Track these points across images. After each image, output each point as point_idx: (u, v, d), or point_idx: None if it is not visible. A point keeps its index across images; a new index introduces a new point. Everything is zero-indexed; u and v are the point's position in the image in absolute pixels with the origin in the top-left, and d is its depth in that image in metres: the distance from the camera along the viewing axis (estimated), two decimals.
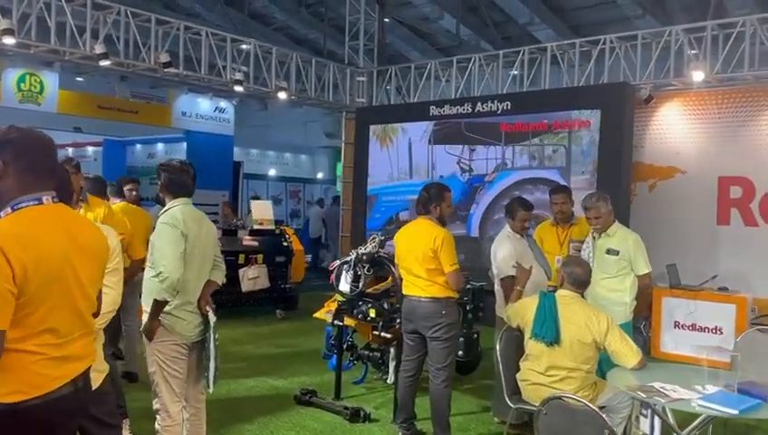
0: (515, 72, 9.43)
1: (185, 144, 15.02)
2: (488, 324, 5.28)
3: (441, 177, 9.35)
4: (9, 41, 6.85)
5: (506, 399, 4.04)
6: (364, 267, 5.23)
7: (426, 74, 10.26)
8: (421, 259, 4.34)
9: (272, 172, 21.23)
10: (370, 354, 5.54)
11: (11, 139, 1.95)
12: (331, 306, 5.97)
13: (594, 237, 4.73)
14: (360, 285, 5.20)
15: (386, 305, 5.16)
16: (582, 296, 3.87)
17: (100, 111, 12.63)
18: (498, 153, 8.79)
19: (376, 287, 5.49)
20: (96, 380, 2.86)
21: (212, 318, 3.54)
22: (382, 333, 4.99)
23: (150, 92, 15.02)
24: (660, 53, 8.10)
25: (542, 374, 3.79)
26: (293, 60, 10.16)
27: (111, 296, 2.90)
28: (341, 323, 5.43)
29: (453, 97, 9.70)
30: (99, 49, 7.58)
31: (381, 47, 11.60)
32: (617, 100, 7.76)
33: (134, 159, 17.59)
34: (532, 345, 3.85)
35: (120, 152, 16.99)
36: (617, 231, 4.68)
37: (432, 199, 4.43)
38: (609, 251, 4.60)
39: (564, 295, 3.79)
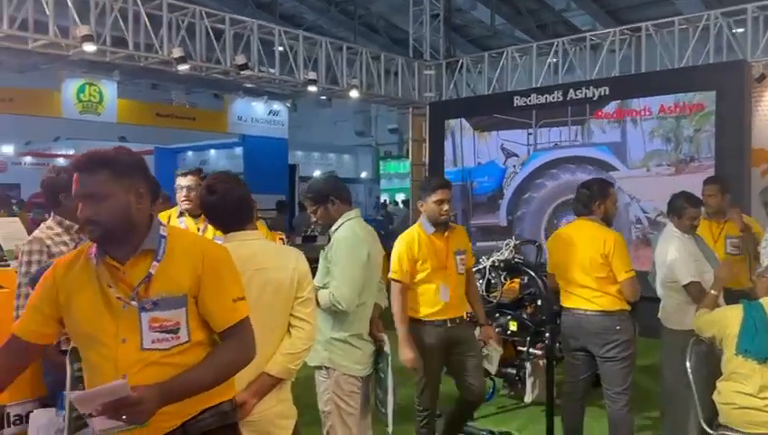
0: (552, 61, 9.07)
1: (240, 149, 14.75)
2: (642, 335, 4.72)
3: (479, 163, 9.48)
4: (90, 48, 6.52)
5: (703, 425, 3.50)
6: (500, 275, 4.73)
7: (501, 63, 9.70)
8: (588, 267, 3.81)
9: (316, 173, 20.85)
10: (504, 371, 5.03)
11: (141, 161, 1.89)
12: None
13: None
14: (498, 294, 4.70)
15: (524, 317, 4.66)
16: None
17: (158, 119, 12.40)
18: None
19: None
20: (288, 428, 2.44)
21: (386, 345, 3.09)
22: (530, 350, 4.48)
23: (206, 98, 14.75)
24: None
25: (755, 397, 3.23)
26: (364, 56, 9.68)
27: (307, 331, 2.45)
28: None
29: (536, 85, 9.12)
30: (176, 53, 7.22)
31: (448, 39, 11.07)
32: (734, 79, 7.12)
33: (186, 166, 17.39)
34: (738, 363, 3.29)
35: (172, 160, 16.79)
36: None
37: (595, 197, 3.90)
38: None
39: None
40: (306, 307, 2.47)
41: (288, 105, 14.58)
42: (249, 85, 12.80)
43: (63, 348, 3.01)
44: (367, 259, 3.00)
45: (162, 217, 4.09)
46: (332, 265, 2.96)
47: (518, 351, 4.74)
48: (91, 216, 1.76)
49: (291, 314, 2.44)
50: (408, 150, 15.38)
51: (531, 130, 8.80)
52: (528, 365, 5.17)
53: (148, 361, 1.76)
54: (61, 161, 19.20)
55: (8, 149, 17.93)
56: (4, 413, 3.20)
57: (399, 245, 3.67)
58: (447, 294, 3.65)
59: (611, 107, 8.01)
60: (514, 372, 4.95)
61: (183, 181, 3.99)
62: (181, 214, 4.04)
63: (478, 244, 9.30)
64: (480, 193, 9.52)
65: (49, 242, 3.05)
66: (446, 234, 3.69)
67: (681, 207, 4.21)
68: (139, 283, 1.78)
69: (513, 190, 9.08)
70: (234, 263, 1.94)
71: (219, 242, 3.53)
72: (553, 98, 8.40)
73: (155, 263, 1.80)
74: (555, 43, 9.13)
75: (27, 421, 3.21)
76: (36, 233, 3.10)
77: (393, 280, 3.62)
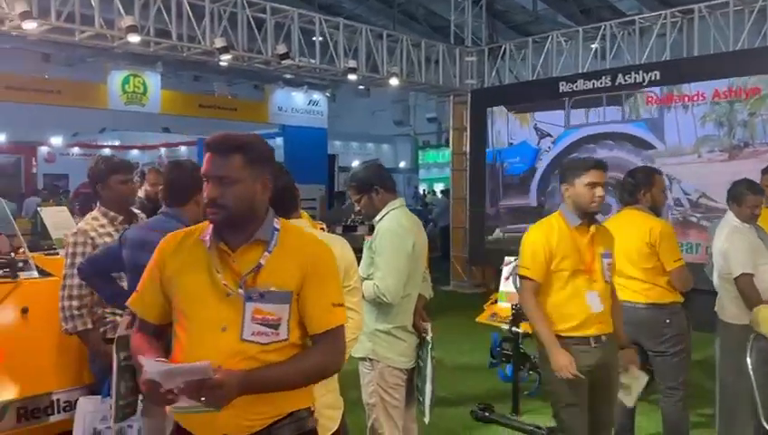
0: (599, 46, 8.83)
1: (280, 139, 14.80)
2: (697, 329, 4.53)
3: (511, 144, 9.40)
4: (134, 39, 6.59)
5: (764, 424, 3.33)
6: None
7: (546, 48, 9.44)
8: (635, 257, 3.66)
9: (355, 163, 20.80)
10: None
11: (272, 152, 1.89)
12: (493, 309, 5.38)
13: None
14: None
15: None
16: None
17: (200, 110, 12.53)
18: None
19: None
20: (336, 419, 2.40)
21: (429, 336, 3.02)
22: None
23: (246, 89, 14.88)
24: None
25: None
26: (404, 43, 9.56)
27: (356, 321, 2.40)
28: (519, 330, 4.83)
29: (583, 71, 8.86)
30: (219, 43, 7.24)
31: (490, 25, 10.84)
32: None
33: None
34: None
35: None
36: None
37: (640, 185, 3.77)
38: None
39: None
40: (353, 296, 2.42)
41: (327, 95, 14.57)
42: (288, 76, 12.89)
43: (109, 336, 3.04)
44: (412, 250, 2.94)
45: None
46: (377, 256, 2.90)
47: None
48: (217, 198, 1.74)
49: None
50: (447, 139, 15.26)
51: (566, 111, 8.70)
52: None
53: (245, 354, 1.72)
54: (107, 151, 19.70)
55: (57, 141, 18.43)
56: (53, 400, 3.25)
57: (533, 235, 3.05)
58: (598, 302, 2.93)
59: (662, 92, 7.72)
60: None
61: None
62: None
63: (508, 226, 9.27)
64: (511, 174, 9.41)
65: (93, 234, 3.08)
66: (591, 230, 2.97)
67: (741, 194, 4.00)
68: (247, 272, 1.74)
69: (545, 168, 8.99)
70: (337, 266, 1.91)
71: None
72: (601, 83, 8.16)
73: (266, 254, 1.77)
74: (602, 27, 8.85)
75: (75, 408, 3.26)
76: (81, 225, 3.13)
77: (523, 277, 3.01)
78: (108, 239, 3.04)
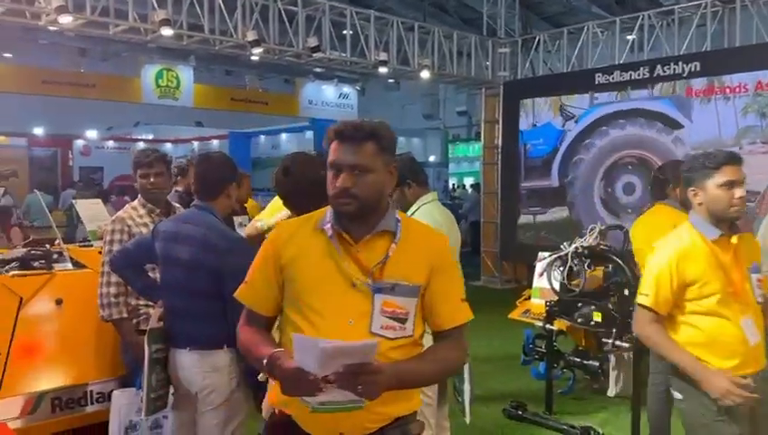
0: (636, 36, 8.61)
1: (310, 133, 14.85)
2: None
3: (535, 125, 9.30)
4: (167, 32, 6.62)
5: None
6: (584, 263, 4.47)
7: (581, 40, 9.24)
8: None
9: None
10: (585, 363, 4.79)
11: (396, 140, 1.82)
12: (526, 306, 5.28)
13: None
14: (582, 283, 4.45)
15: (610, 307, 4.40)
16: None
17: (232, 104, 12.62)
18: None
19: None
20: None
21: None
22: (617, 343, 4.22)
23: (277, 83, 14.95)
24: None
25: None
26: (436, 35, 9.44)
27: None
28: (553, 328, 4.72)
29: (618, 62, 8.64)
30: (251, 36, 7.24)
31: (524, 16, 10.65)
32: None
33: (258, 150, 17.71)
34: None
35: (245, 144, 17.12)
36: None
37: (669, 180, 3.69)
38: None
39: None
40: None
41: (358, 88, 14.55)
42: (318, 69, 12.87)
43: (142, 328, 3.04)
44: None
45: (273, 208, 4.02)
46: None
47: (602, 343, 4.48)
48: (350, 187, 1.65)
49: None
50: (477, 133, 15.07)
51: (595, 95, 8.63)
52: (612, 358, 4.92)
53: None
54: (141, 145, 20.01)
55: (92, 134, 18.77)
56: (87, 391, 3.27)
57: (663, 257, 2.46)
58: (754, 331, 2.40)
59: (702, 83, 7.49)
60: (597, 364, 4.71)
61: None
62: None
63: (529, 208, 9.32)
64: (534, 156, 9.31)
65: (130, 222, 3.11)
66: (733, 241, 2.44)
67: None
68: (376, 263, 1.66)
69: (567, 147, 8.90)
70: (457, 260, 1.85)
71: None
72: (639, 75, 7.95)
73: (393, 245, 1.69)
74: (640, 17, 8.61)
75: (109, 399, 3.28)
76: (120, 213, 3.18)
77: (642, 306, 2.47)
78: (144, 230, 3.06)
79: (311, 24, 8.22)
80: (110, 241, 3.08)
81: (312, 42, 7.86)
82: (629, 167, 8.20)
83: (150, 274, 2.93)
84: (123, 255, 2.91)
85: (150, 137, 20.09)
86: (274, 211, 3.94)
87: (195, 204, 2.79)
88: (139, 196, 3.24)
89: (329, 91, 14.00)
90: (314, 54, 7.99)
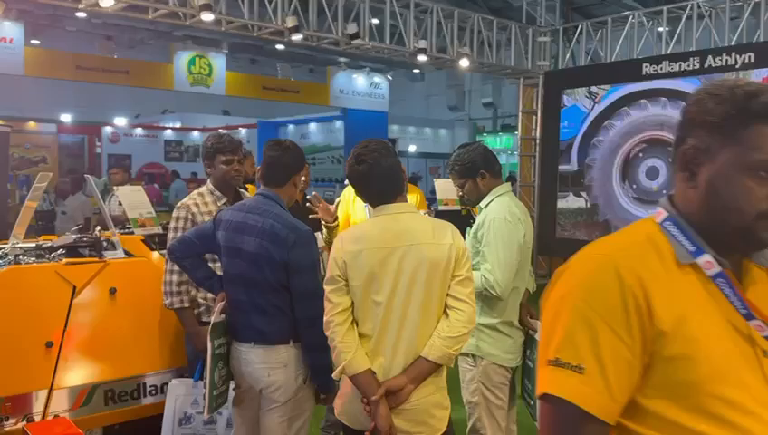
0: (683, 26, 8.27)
1: (340, 123, 14.71)
2: None
3: (562, 107, 9.11)
4: (207, 17, 6.49)
5: None
6: None
7: (627, 29, 8.95)
8: None
9: (411, 148, 20.46)
10: None
11: None
12: None
13: None
14: None
15: None
16: None
17: (264, 92, 12.50)
18: None
19: None
20: (444, 419, 2.22)
21: (537, 331, 2.78)
22: None
23: (307, 73, 14.83)
24: None
25: None
26: (475, 23, 9.22)
27: (468, 314, 2.20)
28: None
29: (665, 52, 8.35)
30: (290, 22, 7.10)
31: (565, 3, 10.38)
32: None
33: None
34: None
35: (273, 133, 17.05)
36: None
37: None
38: None
39: None
40: (465, 287, 2.21)
41: (390, 78, 14.36)
42: (342, 59, 12.64)
43: (204, 320, 2.92)
44: (523, 241, 2.71)
45: (346, 196, 3.83)
46: (485, 246, 2.68)
47: None
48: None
49: (448, 294, 2.19)
50: (504, 125, 14.77)
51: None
52: None
53: None
54: (169, 133, 20.02)
55: (121, 122, 18.82)
56: (141, 383, 3.17)
57: None
58: None
59: (758, 75, 7.19)
60: None
61: None
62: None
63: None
64: (561, 140, 9.08)
65: (195, 210, 3.00)
66: None
67: None
68: None
69: (586, 129, 8.77)
70: None
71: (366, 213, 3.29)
72: (688, 66, 7.66)
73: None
74: (689, 6, 8.31)
75: (163, 392, 3.17)
76: (185, 199, 3.07)
77: None
78: (207, 218, 2.93)
79: (349, 11, 8.05)
80: (175, 228, 2.97)
81: (352, 28, 7.70)
82: (655, 150, 8.01)
83: (210, 264, 2.81)
84: (182, 244, 2.77)
85: (178, 125, 20.11)
86: (349, 203, 3.80)
87: (260, 192, 2.65)
88: (208, 183, 3.12)
89: (360, 80, 13.82)
90: (353, 42, 7.82)
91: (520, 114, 10.67)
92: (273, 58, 14.56)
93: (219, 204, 3.06)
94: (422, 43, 8.49)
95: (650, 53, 8.56)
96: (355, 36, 7.74)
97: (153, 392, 3.17)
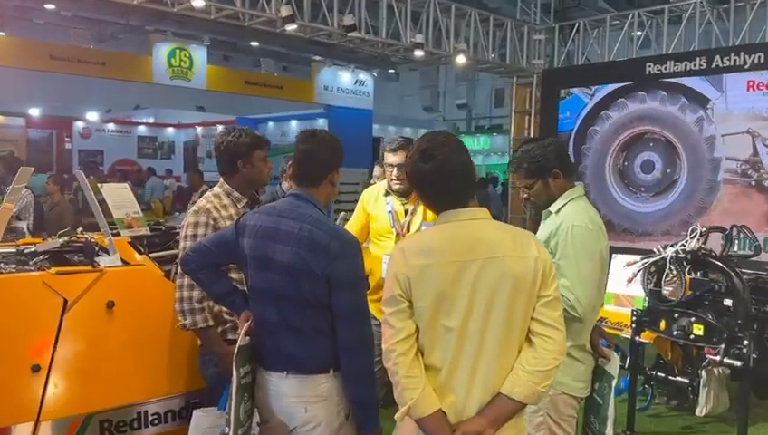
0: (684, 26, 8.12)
1: (323, 120, 14.24)
2: None
3: (562, 98, 8.86)
4: (198, 3, 6.06)
5: None
6: (683, 269, 3.98)
7: (625, 29, 8.74)
8: None
9: None
10: (671, 378, 4.32)
11: None
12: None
13: None
14: (680, 291, 3.96)
15: (710, 318, 3.92)
16: None
17: (246, 87, 11.99)
18: None
19: None
20: None
21: (615, 358, 2.44)
22: (726, 360, 3.74)
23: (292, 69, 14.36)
24: None
25: None
26: (472, 18, 8.92)
27: (559, 342, 1.85)
28: (644, 340, 4.24)
29: (667, 51, 8.15)
30: (285, 12, 6.70)
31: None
32: None
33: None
34: None
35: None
36: None
37: None
38: None
39: None
40: (554, 310, 1.85)
41: (375, 75, 13.98)
42: (318, 58, 12.22)
43: (230, 337, 2.52)
44: (606, 252, 2.37)
45: (367, 196, 3.59)
46: (562, 259, 2.31)
47: (700, 356, 4.02)
48: None
49: (532, 318, 1.84)
50: (477, 126, 14.49)
51: None
52: (703, 374, 4.46)
53: None
54: (142, 129, 19.31)
55: (92, 117, 18.09)
56: (141, 411, 2.75)
57: None
58: None
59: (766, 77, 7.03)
60: (687, 380, 4.24)
61: (392, 158, 3.39)
62: (387, 193, 3.49)
63: None
64: (561, 131, 8.86)
65: (216, 214, 2.58)
66: None
67: None
68: None
69: (581, 121, 8.60)
70: None
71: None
72: (695, 65, 7.46)
73: None
74: (692, 5, 8.13)
75: (166, 421, 2.77)
76: (203, 202, 2.62)
77: None
78: (228, 223, 2.53)
79: (344, 5, 7.66)
80: (193, 236, 2.52)
81: (348, 20, 7.32)
82: (650, 144, 7.82)
83: (233, 274, 2.42)
84: (197, 253, 2.35)
85: (151, 120, 19.43)
86: (369, 201, 3.48)
87: (293, 192, 2.26)
88: (223, 182, 2.69)
89: (345, 77, 13.40)
90: (349, 34, 7.44)
91: (513, 114, 10.43)
92: (243, 54, 14.04)
93: (239, 206, 2.66)
94: (419, 38, 8.16)
95: (649, 53, 8.37)
96: (351, 28, 7.37)
97: (156, 422, 2.76)
